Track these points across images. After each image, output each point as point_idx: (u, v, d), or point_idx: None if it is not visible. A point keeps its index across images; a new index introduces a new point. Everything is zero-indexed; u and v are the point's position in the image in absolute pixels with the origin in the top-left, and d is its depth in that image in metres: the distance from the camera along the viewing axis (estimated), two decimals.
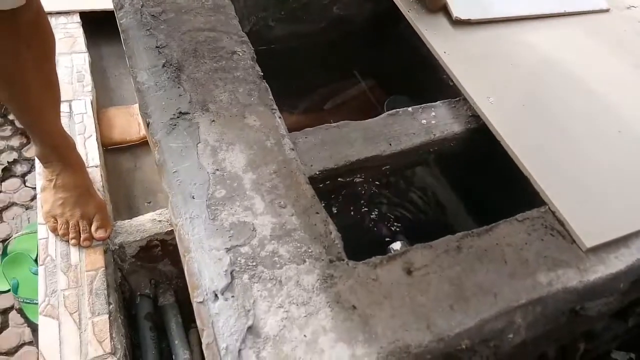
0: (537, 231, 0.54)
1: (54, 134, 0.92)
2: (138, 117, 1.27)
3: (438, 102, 0.70)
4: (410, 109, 0.68)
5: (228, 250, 0.47)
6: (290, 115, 0.91)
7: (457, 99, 0.71)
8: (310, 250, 0.48)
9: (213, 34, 0.66)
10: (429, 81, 0.85)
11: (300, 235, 0.49)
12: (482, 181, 0.74)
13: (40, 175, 1.01)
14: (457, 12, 0.74)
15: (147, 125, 0.57)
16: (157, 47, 0.63)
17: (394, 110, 0.68)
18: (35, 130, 0.91)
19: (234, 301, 0.44)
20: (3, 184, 2.05)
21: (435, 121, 0.68)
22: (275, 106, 0.60)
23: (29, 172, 2.09)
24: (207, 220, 0.48)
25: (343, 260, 0.48)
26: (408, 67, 0.89)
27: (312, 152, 0.62)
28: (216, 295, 0.44)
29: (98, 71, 1.40)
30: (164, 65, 0.61)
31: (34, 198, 2.03)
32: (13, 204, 2.01)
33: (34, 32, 0.74)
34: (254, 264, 0.46)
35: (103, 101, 1.33)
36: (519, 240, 0.53)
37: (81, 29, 1.36)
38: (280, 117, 0.60)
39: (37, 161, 1.00)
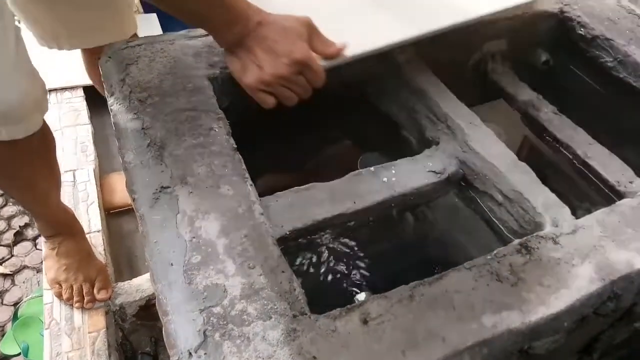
0: (483, 277, 0.59)
1: (56, 212, 1.00)
2: None
3: (398, 160, 0.77)
4: (372, 168, 0.75)
5: (202, 311, 0.53)
6: (274, 176, 0.98)
7: (414, 156, 0.78)
8: (276, 307, 0.54)
9: (193, 113, 0.75)
10: (394, 139, 0.93)
11: (267, 293, 0.55)
12: (444, 226, 0.81)
13: (43, 246, 1.09)
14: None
15: (133, 200, 0.64)
16: (142, 128, 0.72)
17: (358, 171, 0.75)
18: (39, 213, 1.00)
19: (206, 358, 0.49)
20: (15, 247, 2.14)
21: (395, 178, 0.74)
22: (247, 175, 0.68)
23: (39, 235, 2.17)
24: (183, 284, 0.55)
25: (306, 314, 0.54)
26: (377, 126, 0.97)
27: (283, 213, 0.69)
28: (190, 354, 0.49)
29: (101, 139, 1.51)
30: (148, 145, 0.69)
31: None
32: (24, 267, 2.08)
33: (42, 143, 0.85)
34: (225, 322, 0.52)
35: (105, 167, 1.42)
36: (466, 286, 0.58)
37: (84, 103, 1.48)
38: (251, 185, 0.67)
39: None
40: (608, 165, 0.83)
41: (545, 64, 1.08)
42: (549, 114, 0.93)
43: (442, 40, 0.93)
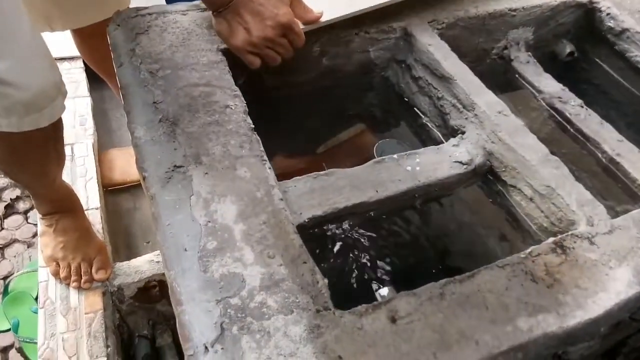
0: (517, 277, 0.55)
1: (56, 189, 0.95)
2: None
3: (422, 148, 0.73)
4: (395, 156, 0.71)
5: (218, 302, 0.49)
6: (285, 159, 0.94)
7: (439, 146, 0.74)
8: (297, 301, 0.50)
9: (208, 88, 0.70)
10: (412, 125, 0.89)
11: (289, 285, 0.51)
12: (466, 219, 0.77)
13: (39, 222, 1.04)
14: None
15: (144, 179, 0.59)
16: (154, 102, 0.67)
17: (380, 158, 0.71)
18: (39, 193, 0.95)
19: (223, 353, 0.45)
20: (5, 221, 2.08)
21: (419, 167, 0.70)
22: (265, 157, 0.63)
23: (31, 209, 2.12)
24: (198, 272, 0.51)
25: (330, 309, 0.50)
26: (394, 111, 0.93)
27: (301, 200, 0.64)
28: (206, 348, 0.45)
29: (100, 113, 1.45)
30: (160, 121, 0.65)
31: (35, 235, 2.05)
32: (15, 240, 2.03)
33: (56, 129, 0.80)
34: (243, 315, 0.48)
35: (104, 142, 1.37)
36: (500, 286, 0.55)
37: (84, 74, 1.42)
38: (270, 168, 0.62)
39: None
40: (637, 163, 0.79)
41: (569, 56, 1.04)
42: (575, 108, 0.89)
43: (466, 24, 0.89)
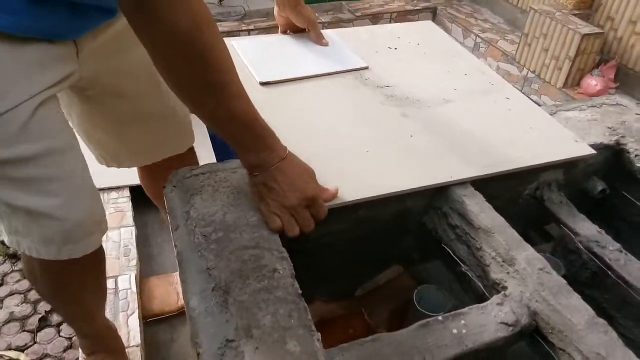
0: None
1: (100, 328, 0.98)
2: (177, 287, 1.33)
3: (466, 308, 0.74)
4: (440, 317, 0.72)
5: None
6: (324, 304, 0.95)
7: (484, 304, 0.74)
8: None
9: (257, 251, 0.74)
10: (452, 272, 0.90)
11: None
12: None
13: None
14: (260, 77, 1.06)
15: (198, 354, 0.61)
16: (207, 268, 0.70)
17: (425, 320, 0.71)
18: (84, 329, 0.98)
19: None
20: (38, 334, 2.10)
21: (465, 330, 0.71)
22: (313, 327, 0.65)
23: (64, 322, 2.14)
24: None
25: None
26: (432, 256, 0.95)
27: None
28: None
29: (141, 239, 1.51)
30: (213, 289, 0.68)
31: (67, 349, 2.05)
32: (46, 355, 2.02)
33: (95, 258, 0.86)
34: None
35: (144, 270, 1.41)
36: None
37: (130, 203, 1.50)
38: (319, 340, 0.64)
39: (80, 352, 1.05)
40: None
41: (601, 193, 1.06)
42: (614, 253, 0.90)
43: (498, 175, 0.93)
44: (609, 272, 0.89)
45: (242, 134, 0.73)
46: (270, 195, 0.76)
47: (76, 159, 0.78)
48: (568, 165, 1.01)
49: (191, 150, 1.11)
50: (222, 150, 1.72)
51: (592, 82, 2.34)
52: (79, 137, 0.91)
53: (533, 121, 1.04)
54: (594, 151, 0.97)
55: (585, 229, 0.95)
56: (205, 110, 0.71)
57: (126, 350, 1.06)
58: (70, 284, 0.87)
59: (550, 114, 1.09)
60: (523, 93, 1.18)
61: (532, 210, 1.04)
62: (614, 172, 1.07)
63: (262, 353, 0.61)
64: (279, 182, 0.76)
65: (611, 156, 1.05)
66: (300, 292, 0.69)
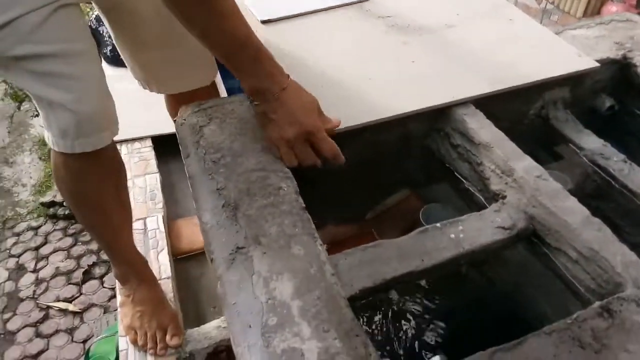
0: (564, 343, 0.57)
1: (130, 252, 1.06)
2: None
3: (465, 215, 0.77)
4: (439, 224, 0.76)
5: None
6: (336, 227, 1.00)
7: (481, 212, 0.77)
8: None
9: (263, 173, 0.78)
10: (455, 189, 0.93)
11: (344, 358, 0.56)
12: (514, 281, 0.79)
13: (119, 293, 1.14)
14: (261, 15, 1.09)
15: (212, 261, 0.67)
16: (217, 189, 0.76)
17: (424, 227, 0.75)
18: (114, 251, 1.06)
19: None
20: (84, 286, 2.26)
21: (462, 235, 0.74)
22: (316, 234, 0.70)
23: (106, 273, 2.29)
24: (262, 348, 0.57)
25: None
26: (437, 177, 0.98)
27: (352, 272, 0.70)
28: None
29: (167, 186, 1.58)
30: (223, 206, 0.73)
31: (111, 298, 2.20)
32: (92, 305, 2.19)
33: (112, 164, 0.92)
34: None
35: (171, 214, 1.49)
36: (548, 353, 0.57)
37: (153, 152, 1.57)
38: (321, 245, 0.69)
39: (117, 282, 1.14)
40: None
41: (609, 110, 1.06)
42: (619, 163, 0.91)
43: (501, 93, 0.94)
44: (613, 182, 0.90)
45: (237, 55, 0.74)
46: (270, 126, 0.79)
47: (91, 62, 0.83)
48: (574, 82, 1.00)
49: (214, 86, 1.16)
50: None
51: (613, 9, 2.25)
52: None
53: (536, 40, 1.03)
54: (597, 64, 0.97)
55: (590, 142, 0.96)
56: (197, 25, 0.73)
57: (159, 281, 1.15)
58: (90, 184, 0.92)
59: (556, 34, 1.08)
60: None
61: (539, 131, 1.05)
62: (622, 87, 1.06)
63: (269, 257, 0.66)
64: (278, 114, 0.77)
65: (618, 71, 1.04)
66: (304, 206, 0.74)
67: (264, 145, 0.83)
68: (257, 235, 0.69)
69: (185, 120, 0.89)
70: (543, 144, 1.14)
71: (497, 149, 0.84)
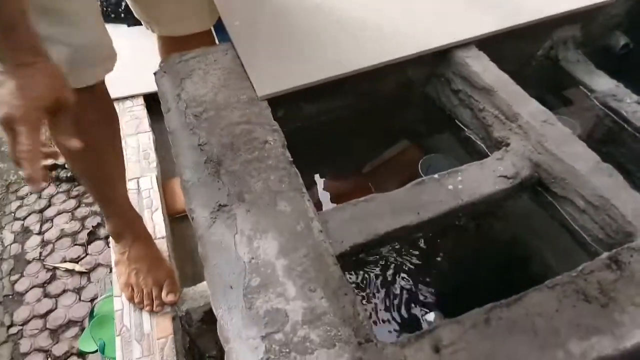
0: (568, 298, 0.53)
1: (124, 206, 1.04)
2: None
3: (464, 165, 0.72)
4: (436, 175, 0.71)
5: (263, 338, 0.51)
6: (332, 182, 0.96)
7: (482, 160, 0.72)
8: (339, 334, 0.51)
9: (248, 126, 0.73)
10: (456, 139, 0.87)
11: (330, 318, 0.53)
12: (518, 232, 0.75)
13: (114, 251, 1.12)
14: None
15: (192, 219, 0.63)
16: (199, 144, 0.71)
17: (420, 179, 0.70)
18: (108, 202, 1.03)
19: None
20: (89, 246, 2.27)
21: (462, 185, 0.69)
22: (304, 190, 0.65)
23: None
24: (243, 309, 0.53)
25: (372, 341, 0.51)
26: (437, 126, 0.92)
27: (342, 228, 0.66)
28: None
29: (161, 145, 1.54)
30: (205, 162, 0.69)
31: None
32: (98, 265, 2.20)
33: (105, 107, 0.90)
34: (287, 350, 0.50)
35: (166, 172, 1.45)
36: (549, 308, 0.53)
37: (145, 111, 1.52)
38: (309, 200, 0.64)
39: (110, 239, 1.11)
40: None
41: (624, 48, 0.98)
42: (632, 105, 0.84)
43: (507, 32, 0.86)
44: (626, 125, 0.84)
45: None
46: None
47: (86, 2, 0.81)
48: (585, 19, 0.92)
49: (210, 35, 1.09)
50: None
51: None
52: None
53: None
54: None
55: (602, 84, 0.89)
56: None
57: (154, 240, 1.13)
58: (83, 125, 0.85)
59: None
60: None
61: (547, 73, 0.98)
62: (639, 24, 0.97)
63: (254, 215, 0.62)
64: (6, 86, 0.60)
65: (635, 5, 0.95)
66: (291, 159, 0.69)
67: (250, 96, 0.78)
68: (241, 192, 0.65)
69: (165, 72, 0.83)
70: (551, 88, 1.07)
71: (501, 92, 0.77)
